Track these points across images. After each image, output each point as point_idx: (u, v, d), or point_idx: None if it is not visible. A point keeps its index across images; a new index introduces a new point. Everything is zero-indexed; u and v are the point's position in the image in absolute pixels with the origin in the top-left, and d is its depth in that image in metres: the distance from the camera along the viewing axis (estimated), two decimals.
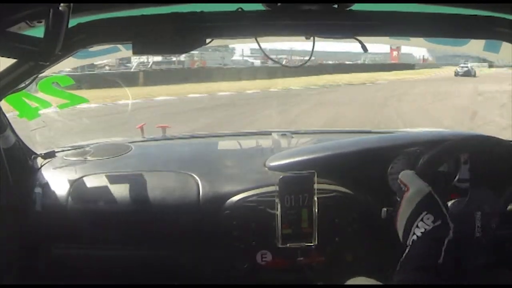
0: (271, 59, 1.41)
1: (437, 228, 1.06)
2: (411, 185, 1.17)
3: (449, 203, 1.28)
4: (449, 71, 33.83)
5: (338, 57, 42.63)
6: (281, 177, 1.49)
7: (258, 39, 1.27)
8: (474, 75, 28.15)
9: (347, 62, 40.63)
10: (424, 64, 46.70)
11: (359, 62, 43.60)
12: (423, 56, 50.64)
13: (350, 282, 1.35)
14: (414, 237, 1.08)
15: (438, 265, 1.01)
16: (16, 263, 1.60)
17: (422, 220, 1.08)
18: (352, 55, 43.57)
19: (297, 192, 1.49)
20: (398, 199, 1.20)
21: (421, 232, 1.07)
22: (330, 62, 38.06)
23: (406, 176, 1.21)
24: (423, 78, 29.00)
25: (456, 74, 29.32)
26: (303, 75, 21.79)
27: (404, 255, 1.07)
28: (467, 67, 30.10)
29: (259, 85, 19.04)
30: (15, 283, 1.59)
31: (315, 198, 1.50)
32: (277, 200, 1.49)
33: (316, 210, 1.50)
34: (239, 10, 1.13)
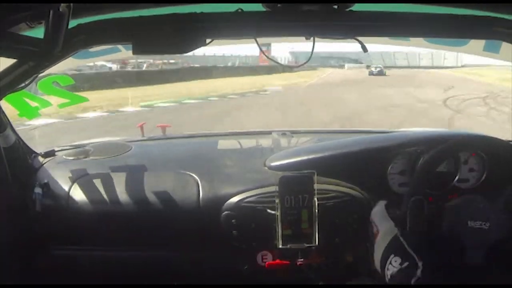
0: (271, 59, 1.41)
1: (404, 270, 1.11)
2: (380, 227, 1.23)
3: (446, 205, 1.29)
4: (333, 72, 34.00)
5: (206, 60, 38.00)
6: (281, 176, 1.49)
7: (258, 39, 1.27)
8: (384, 74, 32.93)
9: (219, 65, 35.05)
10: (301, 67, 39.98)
11: (229, 64, 39.47)
12: (288, 58, 46.15)
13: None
14: (387, 279, 1.14)
15: None
16: (16, 262, 1.60)
17: (390, 262, 1.14)
18: (220, 58, 40.08)
19: (297, 192, 1.49)
20: (371, 240, 1.25)
21: (391, 274, 1.13)
22: (197, 65, 31.93)
23: (376, 216, 1.27)
24: (325, 81, 27.24)
25: (371, 73, 32.95)
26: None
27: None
28: (380, 67, 34.72)
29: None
30: (15, 283, 1.60)
31: (315, 199, 1.49)
32: (277, 200, 1.48)
33: (317, 210, 1.49)
34: (239, 10, 1.13)
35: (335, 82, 25.84)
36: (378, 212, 1.27)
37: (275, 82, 23.56)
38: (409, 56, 63.47)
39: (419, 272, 1.09)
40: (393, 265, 1.12)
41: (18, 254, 1.61)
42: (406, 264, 1.10)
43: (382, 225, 1.22)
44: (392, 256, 1.13)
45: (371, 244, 1.27)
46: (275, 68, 29.41)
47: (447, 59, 58.28)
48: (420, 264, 1.10)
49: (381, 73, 33.06)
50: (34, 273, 1.64)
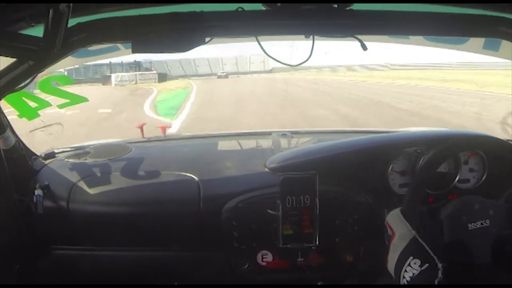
0: (273, 58, 1.40)
1: (425, 272, 1.10)
2: (396, 230, 1.21)
3: (448, 204, 1.29)
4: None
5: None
6: (283, 177, 1.49)
7: (258, 38, 1.27)
8: (226, 77, 41.70)
9: None
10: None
11: None
12: None
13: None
14: (404, 281, 1.13)
15: None
16: (17, 264, 1.60)
17: (409, 265, 1.12)
18: None
19: (299, 193, 1.49)
20: (386, 243, 1.23)
21: (410, 277, 1.11)
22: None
23: (392, 219, 1.25)
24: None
25: (219, 77, 41.92)
26: None
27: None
28: (225, 72, 45.63)
29: None
30: (17, 284, 1.59)
31: (317, 199, 1.50)
32: (278, 200, 1.49)
33: (318, 211, 1.50)
34: (239, 9, 1.13)
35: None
36: (394, 216, 1.26)
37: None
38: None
39: (440, 273, 1.08)
40: (412, 267, 1.11)
41: (19, 255, 1.61)
42: (426, 265, 1.10)
43: (398, 228, 1.21)
44: (411, 258, 1.12)
45: (385, 248, 1.24)
46: None
47: (253, 64, 58.03)
48: (440, 265, 1.09)
49: (226, 76, 42.74)
50: (35, 274, 1.64)
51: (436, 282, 1.07)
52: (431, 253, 1.12)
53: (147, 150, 2.07)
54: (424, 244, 1.14)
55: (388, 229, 1.24)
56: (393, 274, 1.18)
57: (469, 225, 1.19)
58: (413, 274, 1.10)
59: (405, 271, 1.12)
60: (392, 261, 1.18)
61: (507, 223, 1.17)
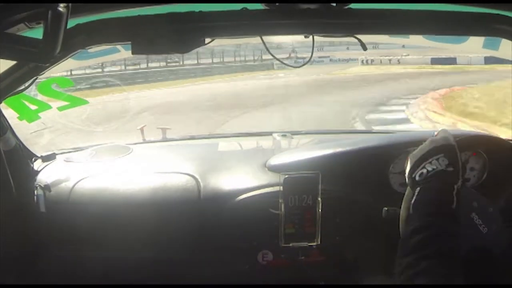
0: (275, 57, 1.41)
1: (448, 173, 1.06)
2: (441, 133, 1.17)
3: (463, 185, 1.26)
4: None
5: None
6: (286, 177, 1.50)
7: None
8: None
9: None
10: None
11: None
12: None
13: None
14: (424, 170, 1.07)
15: (453, 211, 1.00)
16: (17, 264, 1.60)
17: (437, 159, 1.08)
18: None
19: (301, 193, 1.50)
20: (406, 166, 1.18)
21: (432, 168, 1.06)
22: None
23: (441, 128, 1.22)
24: None
25: None
26: None
27: (414, 198, 1.05)
28: None
29: None
30: (18, 284, 1.59)
31: (319, 199, 1.50)
32: (281, 200, 1.49)
33: (320, 210, 1.50)
34: (238, 9, 1.13)
35: None
36: (444, 129, 1.22)
37: None
38: None
39: (460, 183, 1.05)
40: (440, 163, 1.06)
41: (20, 255, 1.61)
42: (451, 169, 1.06)
43: (445, 133, 1.16)
44: (441, 155, 1.08)
45: (395, 203, 1.19)
46: None
47: None
48: (460, 181, 1.05)
49: None
50: (36, 274, 1.64)
51: (456, 187, 1.03)
52: (460, 164, 1.08)
53: (147, 151, 2.07)
54: (459, 155, 1.10)
55: (435, 132, 1.20)
56: (411, 164, 1.12)
57: (473, 214, 1.16)
58: (437, 167, 1.06)
59: (430, 162, 1.07)
60: (421, 150, 1.12)
61: (498, 244, 1.14)
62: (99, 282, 1.59)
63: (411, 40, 1.91)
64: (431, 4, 1.18)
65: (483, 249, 1.10)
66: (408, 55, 31.80)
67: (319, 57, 32.09)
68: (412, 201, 1.04)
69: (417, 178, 1.08)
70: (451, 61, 28.41)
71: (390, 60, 32.10)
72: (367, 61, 32.80)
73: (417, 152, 1.14)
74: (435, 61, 29.39)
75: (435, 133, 1.20)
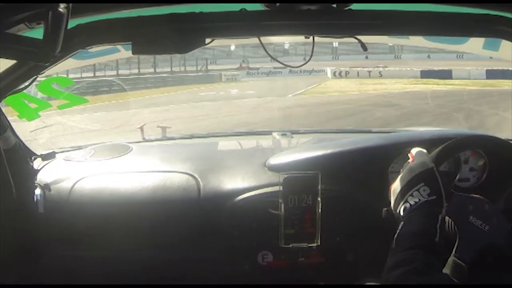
0: (274, 59, 1.41)
1: (431, 203, 1.06)
2: (417, 157, 1.17)
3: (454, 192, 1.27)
4: None
5: None
6: (285, 177, 1.49)
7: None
8: None
9: None
10: None
11: None
12: None
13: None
14: (407, 205, 1.08)
15: (436, 244, 1.01)
16: (17, 264, 1.60)
17: (418, 190, 1.08)
18: None
19: (301, 193, 1.49)
20: (401, 170, 1.20)
21: (414, 202, 1.07)
22: None
23: (416, 151, 1.22)
24: None
25: None
26: None
27: (397, 231, 1.05)
28: None
29: None
30: (17, 284, 1.59)
31: (319, 199, 1.50)
32: (280, 200, 1.49)
33: (320, 210, 1.50)
34: (239, 10, 1.13)
35: None
36: (420, 149, 1.23)
37: None
38: None
39: (444, 211, 1.06)
40: (421, 194, 1.07)
41: (20, 255, 1.61)
42: (434, 197, 1.07)
43: (420, 157, 1.18)
44: (422, 184, 1.09)
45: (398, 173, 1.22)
46: None
47: None
48: (444, 205, 1.07)
49: None
50: (35, 274, 1.64)
51: (440, 218, 1.04)
52: (442, 188, 1.09)
53: (147, 149, 2.07)
54: (439, 178, 1.11)
55: (410, 158, 1.22)
56: (393, 198, 1.14)
57: (471, 217, 1.18)
58: (419, 200, 1.07)
59: (411, 195, 1.09)
60: (400, 183, 1.13)
61: (503, 237, 1.15)
62: (98, 282, 1.59)
63: (410, 41, 1.92)
64: (431, 5, 1.18)
65: (491, 246, 1.12)
66: (387, 66, 26.88)
67: (275, 68, 27.18)
68: (396, 235, 1.05)
69: (401, 213, 1.09)
70: (445, 74, 23.35)
71: (369, 72, 26.21)
72: (340, 73, 26.84)
73: (397, 184, 1.15)
74: (426, 74, 24.10)
75: (410, 158, 1.20)
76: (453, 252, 1.12)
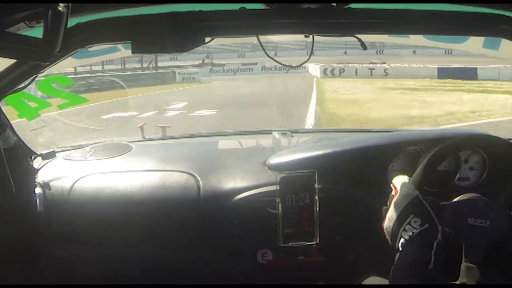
0: (274, 59, 1.41)
1: (425, 232, 1.08)
2: (400, 189, 1.19)
3: (445, 203, 1.28)
4: None
5: None
6: (282, 176, 1.49)
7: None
8: None
9: None
10: None
11: None
12: None
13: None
14: (402, 240, 1.10)
15: (430, 271, 1.02)
16: (17, 263, 1.60)
17: (409, 223, 1.10)
18: None
19: (298, 191, 1.49)
20: (388, 204, 1.22)
21: (409, 236, 1.09)
22: None
23: (398, 180, 1.24)
24: None
25: None
26: None
27: (395, 262, 1.08)
28: None
29: None
30: (17, 284, 1.59)
31: (316, 197, 1.50)
32: (278, 199, 1.49)
33: (317, 209, 1.50)
34: (239, 9, 1.13)
35: None
36: (401, 178, 1.24)
37: None
38: None
39: (439, 235, 1.07)
40: (413, 226, 1.09)
41: (19, 254, 1.61)
42: (426, 226, 1.08)
43: (403, 187, 1.19)
44: (411, 216, 1.10)
45: (386, 208, 1.23)
46: None
47: None
48: (439, 228, 1.08)
49: None
50: (35, 273, 1.64)
51: (435, 244, 1.05)
52: (432, 214, 1.10)
53: (147, 148, 2.07)
54: (426, 204, 1.12)
55: (393, 190, 1.23)
56: (389, 236, 1.16)
57: (469, 219, 1.18)
58: (413, 233, 1.08)
59: (404, 230, 1.10)
60: (390, 222, 1.15)
61: (506, 225, 1.17)
62: (98, 282, 1.59)
63: (411, 40, 1.91)
64: (431, 3, 1.18)
65: (498, 239, 1.13)
66: (385, 63, 22.14)
67: (243, 64, 23.93)
68: (393, 266, 1.08)
69: (400, 248, 1.11)
70: (470, 74, 17.79)
71: (371, 70, 20.96)
72: (332, 71, 21.34)
73: (388, 223, 1.17)
74: (443, 74, 18.43)
75: (393, 190, 1.21)
76: (463, 258, 1.13)
